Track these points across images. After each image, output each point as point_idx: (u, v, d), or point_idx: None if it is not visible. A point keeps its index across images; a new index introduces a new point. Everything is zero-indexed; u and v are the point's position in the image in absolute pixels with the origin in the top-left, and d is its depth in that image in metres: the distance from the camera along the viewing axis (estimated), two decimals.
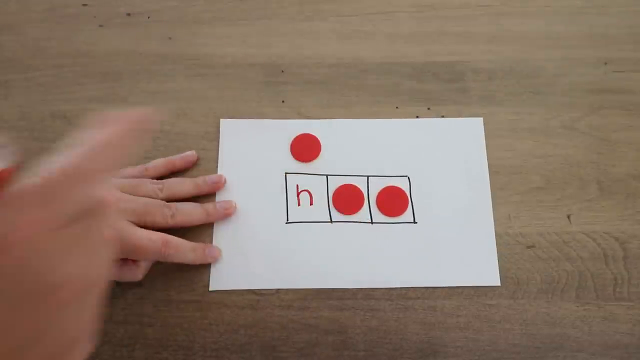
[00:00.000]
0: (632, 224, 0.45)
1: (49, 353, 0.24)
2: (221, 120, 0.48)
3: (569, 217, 0.45)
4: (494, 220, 0.45)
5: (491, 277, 0.43)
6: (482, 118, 0.48)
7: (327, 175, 0.46)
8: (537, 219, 0.45)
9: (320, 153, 0.47)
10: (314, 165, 0.47)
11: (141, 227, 0.40)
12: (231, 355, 0.41)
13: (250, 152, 0.47)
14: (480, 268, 0.43)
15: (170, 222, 0.42)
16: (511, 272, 0.43)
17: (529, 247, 0.44)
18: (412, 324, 0.42)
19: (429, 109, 0.49)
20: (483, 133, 0.48)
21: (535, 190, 0.46)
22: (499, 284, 0.43)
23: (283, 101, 0.49)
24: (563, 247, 0.44)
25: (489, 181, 0.46)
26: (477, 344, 0.41)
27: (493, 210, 0.45)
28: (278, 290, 0.43)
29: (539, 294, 0.42)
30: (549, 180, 0.46)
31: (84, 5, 0.54)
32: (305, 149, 0.47)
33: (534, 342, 0.41)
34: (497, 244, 0.44)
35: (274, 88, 0.50)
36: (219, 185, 0.45)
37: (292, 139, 0.48)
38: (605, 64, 0.51)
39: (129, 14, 0.53)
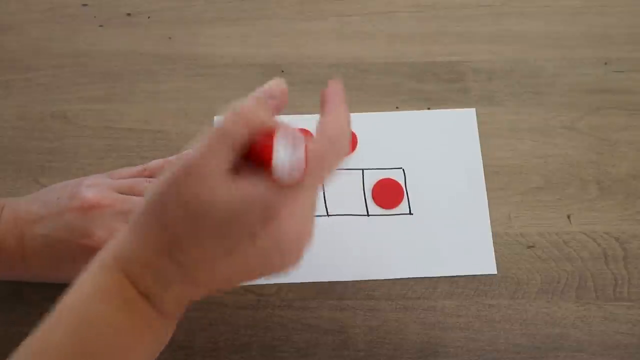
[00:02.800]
0: (632, 224, 0.45)
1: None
2: (215, 117, 0.48)
3: (569, 217, 0.45)
4: (494, 220, 0.45)
5: (487, 265, 0.43)
6: (474, 109, 0.48)
7: None
8: (537, 219, 0.45)
9: None
10: None
11: None
12: (231, 355, 0.41)
13: None
14: (477, 257, 0.43)
15: None
16: (511, 272, 0.43)
17: (529, 247, 0.44)
18: (412, 324, 0.42)
19: (429, 109, 0.49)
20: (476, 124, 0.48)
21: (535, 190, 0.46)
22: (495, 272, 0.43)
23: None
24: (563, 247, 0.44)
25: (482, 171, 0.46)
26: (477, 344, 0.41)
27: (493, 211, 0.45)
28: (278, 290, 0.43)
29: (539, 294, 0.42)
30: (549, 180, 0.46)
31: (84, 5, 0.54)
32: None
33: (534, 342, 0.41)
34: (497, 244, 0.44)
35: None
36: None
37: None
38: (605, 64, 0.51)
39: (129, 14, 0.53)
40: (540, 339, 0.41)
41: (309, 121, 0.48)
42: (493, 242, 0.44)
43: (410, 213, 0.45)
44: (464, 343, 0.41)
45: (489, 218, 0.44)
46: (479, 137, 0.48)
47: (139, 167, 0.45)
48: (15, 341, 0.43)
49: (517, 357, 0.41)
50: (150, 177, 0.45)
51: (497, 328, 0.42)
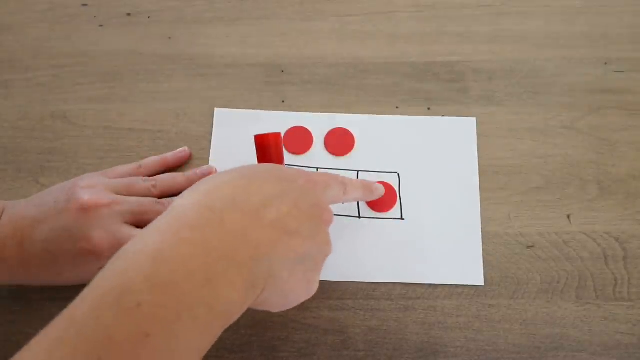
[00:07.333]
0: (632, 224, 0.45)
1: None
2: (215, 109, 0.49)
3: (569, 217, 0.45)
4: (494, 220, 0.45)
5: (475, 277, 0.43)
6: (475, 118, 0.48)
7: (317, 169, 0.46)
8: (537, 219, 0.45)
9: (312, 146, 0.47)
10: (306, 158, 0.47)
11: (137, 226, 0.40)
12: (231, 355, 0.41)
13: (242, 142, 0.47)
14: (465, 268, 0.43)
15: None
16: (511, 272, 0.43)
17: (529, 247, 0.44)
18: (412, 324, 0.42)
19: (429, 109, 0.49)
20: (475, 133, 0.48)
21: (535, 190, 0.46)
22: (482, 284, 0.43)
23: (283, 101, 0.49)
24: (563, 247, 0.44)
25: (478, 181, 0.46)
26: (477, 344, 0.41)
27: (493, 211, 0.45)
28: None
29: (539, 294, 0.42)
30: (549, 180, 0.46)
31: (84, 5, 0.54)
32: (297, 141, 0.47)
33: (534, 342, 0.41)
34: (497, 244, 0.44)
35: (274, 88, 0.50)
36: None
37: (284, 131, 0.48)
38: (605, 64, 0.51)
39: (129, 14, 0.53)
40: (540, 339, 0.41)
41: (309, 119, 0.48)
42: (493, 243, 0.44)
43: (401, 218, 0.45)
44: (464, 343, 0.41)
45: (480, 231, 0.44)
46: (479, 137, 0.48)
47: (134, 165, 0.45)
48: (15, 341, 0.43)
49: (517, 357, 0.41)
50: (145, 174, 0.45)
51: (497, 328, 0.42)
